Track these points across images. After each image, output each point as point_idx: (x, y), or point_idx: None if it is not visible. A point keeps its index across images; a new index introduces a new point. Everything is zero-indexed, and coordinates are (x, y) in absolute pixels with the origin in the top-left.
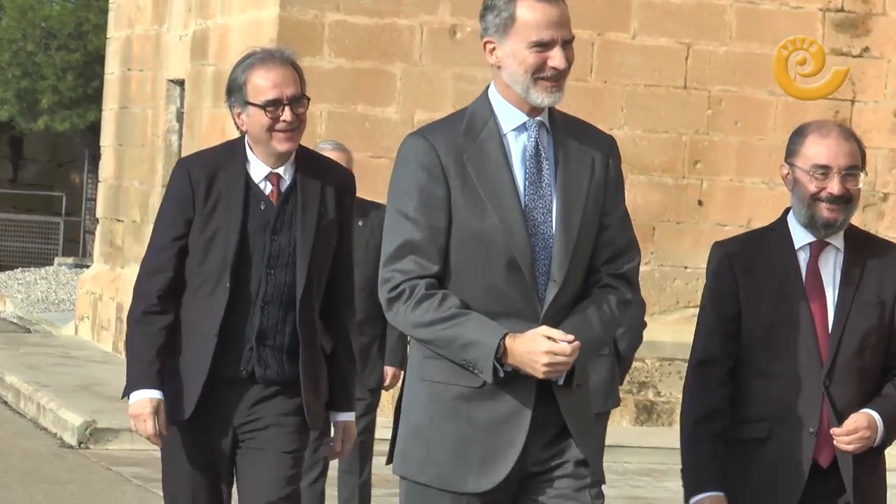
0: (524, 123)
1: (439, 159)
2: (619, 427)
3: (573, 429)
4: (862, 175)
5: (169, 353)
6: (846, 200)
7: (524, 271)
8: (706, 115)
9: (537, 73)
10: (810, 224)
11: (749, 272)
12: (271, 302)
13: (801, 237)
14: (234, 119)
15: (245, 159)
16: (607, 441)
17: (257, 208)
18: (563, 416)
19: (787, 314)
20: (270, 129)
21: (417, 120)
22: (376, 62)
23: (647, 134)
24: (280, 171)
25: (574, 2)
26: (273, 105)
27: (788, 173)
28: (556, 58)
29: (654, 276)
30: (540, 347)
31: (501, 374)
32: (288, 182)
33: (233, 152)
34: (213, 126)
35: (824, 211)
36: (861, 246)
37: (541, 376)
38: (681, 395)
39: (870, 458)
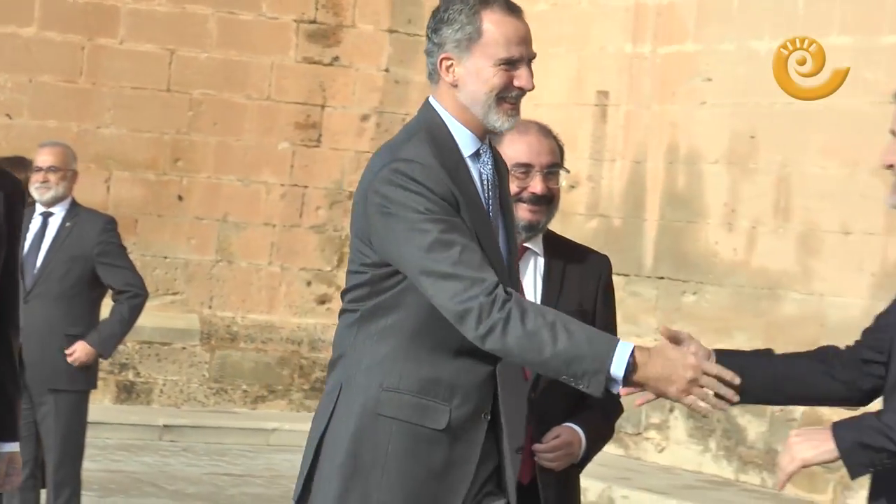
0: (479, 150)
1: (450, 189)
2: (101, 405)
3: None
4: (563, 172)
5: None
6: (548, 200)
7: None
8: (187, 116)
9: (502, 93)
10: None
11: None
12: None
13: None
14: None
15: None
16: (90, 418)
17: None
18: (498, 455)
19: None
20: None
21: None
22: None
23: (132, 133)
24: None
25: (64, 7)
26: None
27: None
28: (523, 77)
29: (137, 266)
30: (688, 361)
31: (618, 391)
32: None
33: None
34: None
35: (526, 212)
36: (559, 250)
37: (676, 397)
38: (159, 377)
39: (568, 476)
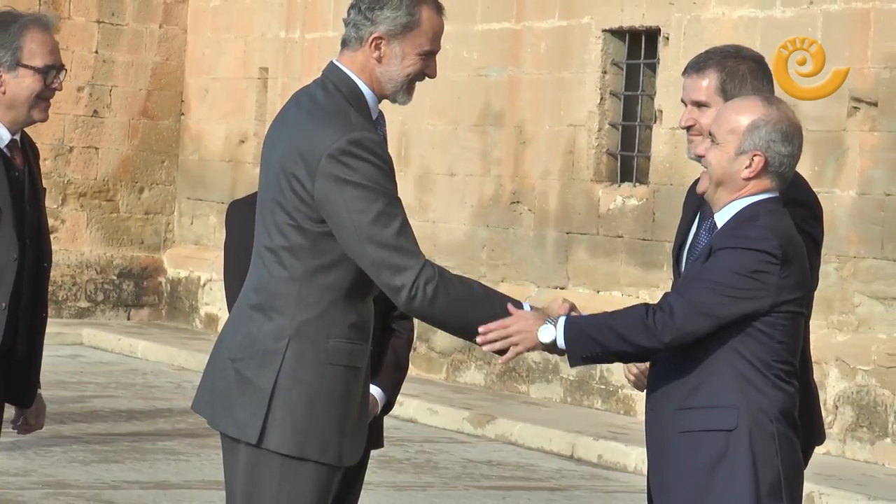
0: (378, 117)
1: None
2: None
3: None
4: None
5: None
6: None
7: None
8: None
9: (415, 78)
10: None
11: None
12: (26, 273)
13: None
14: None
15: None
16: None
17: (13, 176)
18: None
19: None
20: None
21: None
22: None
23: None
24: (18, 137)
25: None
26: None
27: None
28: (432, 67)
29: None
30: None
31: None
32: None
33: None
34: None
35: None
36: None
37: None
38: None
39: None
